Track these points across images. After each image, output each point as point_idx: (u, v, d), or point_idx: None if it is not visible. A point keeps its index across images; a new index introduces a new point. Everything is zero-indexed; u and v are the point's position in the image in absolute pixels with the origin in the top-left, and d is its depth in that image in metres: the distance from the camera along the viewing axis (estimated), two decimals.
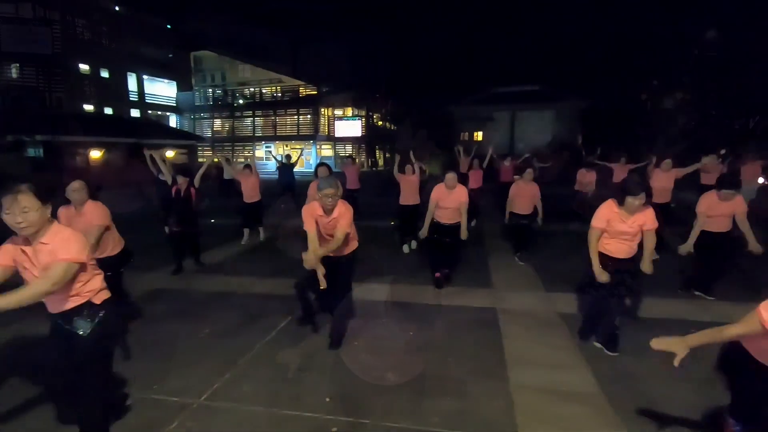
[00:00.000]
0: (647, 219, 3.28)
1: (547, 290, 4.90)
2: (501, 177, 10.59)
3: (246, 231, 7.49)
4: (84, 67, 28.81)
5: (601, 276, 3.30)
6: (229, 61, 36.95)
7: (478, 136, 27.14)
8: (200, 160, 32.77)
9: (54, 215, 2.00)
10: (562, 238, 7.59)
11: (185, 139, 29.62)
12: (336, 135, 33.70)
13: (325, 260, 3.52)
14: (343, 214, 3.38)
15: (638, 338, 3.60)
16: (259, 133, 35.71)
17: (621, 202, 3.22)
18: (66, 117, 23.92)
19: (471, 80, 45.09)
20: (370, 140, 32.47)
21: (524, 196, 6.35)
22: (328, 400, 2.79)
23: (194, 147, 30.22)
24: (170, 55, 35.06)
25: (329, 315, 4.13)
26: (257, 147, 35.83)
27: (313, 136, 33.98)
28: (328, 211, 3.38)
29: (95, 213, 3.36)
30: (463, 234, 4.89)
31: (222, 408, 2.72)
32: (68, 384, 2.16)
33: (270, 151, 14.77)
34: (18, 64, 27.98)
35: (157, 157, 6.61)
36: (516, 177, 6.74)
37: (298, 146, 35.17)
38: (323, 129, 34.23)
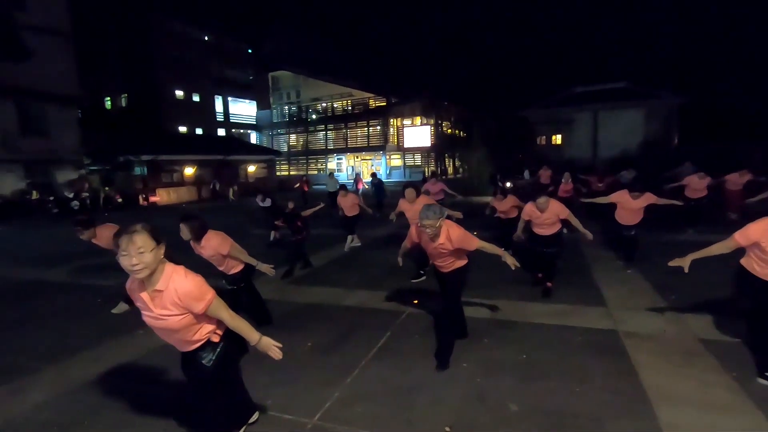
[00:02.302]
0: None
1: (676, 311, 4.26)
2: (593, 187, 10.38)
3: (349, 237, 8.21)
4: (179, 93, 31.96)
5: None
6: (303, 78, 38.96)
7: (557, 139, 25.46)
8: (278, 173, 34.71)
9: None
10: (676, 249, 6.68)
11: (265, 154, 31.54)
12: (405, 145, 33.84)
13: (437, 274, 3.57)
14: (456, 238, 3.20)
15: None
16: (331, 146, 37.01)
17: None
18: (165, 138, 26.64)
19: (548, 81, 43.03)
20: (439, 149, 32.11)
21: (629, 209, 5.73)
22: (447, 429, 2.56)
23: (273, 161, 32.05)
24: (251, 77, 37.75)
25: (431, 332, 3.95)
26: (329, 159, 37.14)
27: (382, 146, 34.45)
28: (432, 239, 3.21)
29: (214, 243, 3.64)
30: (588, 235, 4.74)
31: (337, 431, 2.60)
32: (196, 404, 2.26)
33: (362, 180, 16.47)
34: (126, 94, 31.88)
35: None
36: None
37: (368, 157, 35.95)
38: (392, 139, 34.58)
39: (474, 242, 3.25)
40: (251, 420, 2.61)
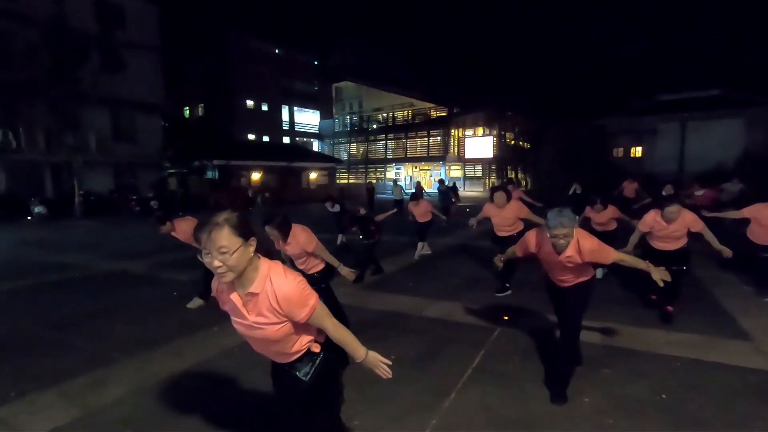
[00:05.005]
0: None
1: None
2: (696, 202, 9.21)
3: (420, 244, 7.83)
4: (250, 103, 33.66)
5: None
6: (365, 89, 39.54)
7: (637, 152, 23.31)
8: (338, 181, 35.28)
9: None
10: None
11: (327, 162, 32.22)
12: (466, 156, 33.01)
13: (551, 288, 3.06)
14: (588, 250, 2.64)
15: None
16: (390, 156, 37.04)
17: None
18: (235, 145, 28.04)
19: (627, 88, 40.17)
20: (501, 160, 30.89)
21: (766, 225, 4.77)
22: None
23: (334, 169, 32.65)
24: (316, 88, 38.95)
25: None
26: (388, 168, 37.18)
27: (442, 157, 33.88)
28: (558, 251, 2.68)
29: (302, 239, 3.39)
30: (726, 252, 3.97)
31: None
32: (284, 422, 1.93)
33: (423, 189, 16.46)
34: (203, 104, 34.12)
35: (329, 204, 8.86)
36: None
37: (427, 167, 35.51)
38: (453, 150, 33.90)
39: (611, 254, 2.68)
40: None
